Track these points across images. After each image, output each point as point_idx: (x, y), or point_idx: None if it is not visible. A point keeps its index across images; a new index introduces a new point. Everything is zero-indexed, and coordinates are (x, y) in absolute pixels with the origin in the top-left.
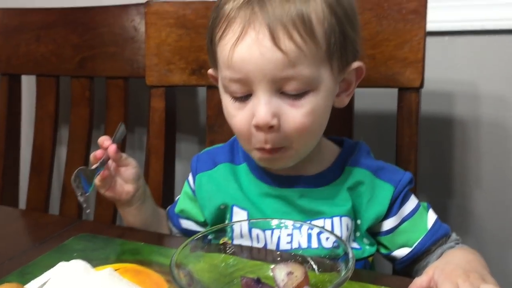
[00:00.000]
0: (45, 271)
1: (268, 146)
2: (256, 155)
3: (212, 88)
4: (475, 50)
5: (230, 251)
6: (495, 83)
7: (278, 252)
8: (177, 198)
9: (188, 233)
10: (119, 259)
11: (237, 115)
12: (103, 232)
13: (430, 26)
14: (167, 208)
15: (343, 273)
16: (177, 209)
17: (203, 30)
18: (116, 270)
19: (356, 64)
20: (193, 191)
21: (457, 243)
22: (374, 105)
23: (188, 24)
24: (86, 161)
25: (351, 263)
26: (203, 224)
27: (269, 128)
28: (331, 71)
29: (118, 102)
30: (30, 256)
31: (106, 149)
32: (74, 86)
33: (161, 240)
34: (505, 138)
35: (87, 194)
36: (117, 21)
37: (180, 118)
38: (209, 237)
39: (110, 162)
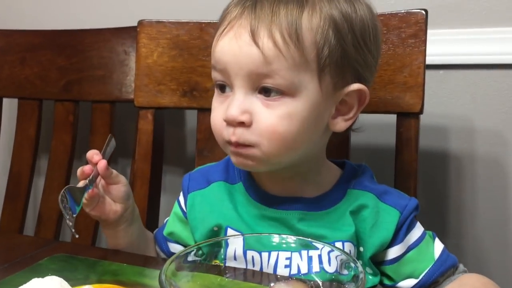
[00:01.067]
0: None
1: (233, 138)
2: (227, 150)
3: (203, 111)
4: (471, 84)
5: (223, 272)
6: (490, 118)
7: (279, 276)
8: (165, 220)
9: None
10: (99, 280)
11: (216, 109)
12: (82, 254)
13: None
14: (155, 231)
15: None
16: (165, 231)
17: (197, 51)
18: None
19: (355, 86)
20: (184, 212)
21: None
22: (371, 131)
23: (181, 45)
24: None
25: (361, 277)
26: None
27: (239, 123)
28: (319, 84)
29: (103, 127)
30: (1, 275)
31: (95, 164)
32: (57, 110)
33: (145, 262)
34: (501, 174)
35: (75, 215)
36: (108, 44)
37: (165, 147)
38: (199, 256)
39: (98, 179)
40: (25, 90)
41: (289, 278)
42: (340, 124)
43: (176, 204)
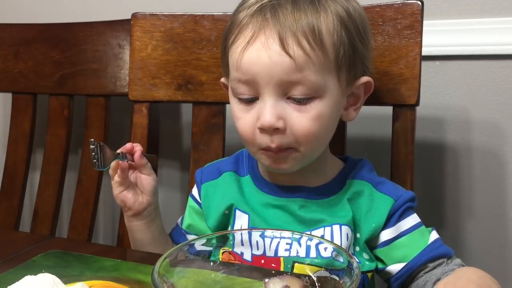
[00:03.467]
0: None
1: (273, 145)
2: (261, 156)
3: (198, 104)
4: (467, 75)
5: (217, 267)
6: (487, 109)
7: (273, 271)
8: (179, 219)
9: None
10: (93, 276)
11: (242, 118)
12: (77, 250)
13: None
14: (169, 232)
15: (347, 285)
16: (184, 225)
17: (191, 44)
18: (90, 287)
19: (364, 79)
20: (199, 204)
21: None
22: (367, 124)
23: (176, 38)
24: (60, 185)
25: (356, 272)
26: None
27: (275, 130)
28: (339, 82)
29: (98, 121)
30: None
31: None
32: (52, 104)
33: (140, 258)
34: (498, 165)
35: (98, 170)
36: (101, 38)
37: (160, 141)
38: (210, 245)
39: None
40: (19, 84)
41: (284, 273)
42: (352, 114)
43: (190, 198)
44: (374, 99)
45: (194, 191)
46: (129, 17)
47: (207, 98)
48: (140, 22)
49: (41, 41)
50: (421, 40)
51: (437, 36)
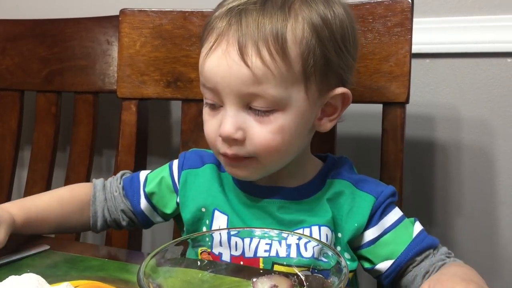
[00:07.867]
0: None
1: (230, 152)
2: (221, 159)
3: (188, 102)
4: (457, 73)
5: (205, 267)
6: (477, 107)
7: (261, 271)
8: (142, 173)
9: (143, 219)
10: (79, 276)
11: (208, 122)
12: (64, 249)
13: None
14: (122, 177)
15: (336, 284)
16: (148, 188)
17: (180, 40)
18: (75, 287)
19: (339, 90)
20: (174, 184)
21: (449, 257)
22: (357, 122)
23: (165, 35)
24: (48, 183)
25: (344, 271)
26: (164, 217)
27: (233, 140)
28: (306, 93)
29: (87, 118)
30: None
31: None
32: (39, 101)
33: (127, 257)
34: (487, 163)
35: None
36: (89, 34)
37: (149, 139)
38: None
39: None
40: (6, 81)
41: (272, 273)
42: (326, 125)
43: (167, 170)
44: (364, 97)
45: (174, 169)
46: (117, 13)
47: (196, 95)
48: (129, 18)
49: (28, 37)
50: (411, 38)
51: (427, 34)
